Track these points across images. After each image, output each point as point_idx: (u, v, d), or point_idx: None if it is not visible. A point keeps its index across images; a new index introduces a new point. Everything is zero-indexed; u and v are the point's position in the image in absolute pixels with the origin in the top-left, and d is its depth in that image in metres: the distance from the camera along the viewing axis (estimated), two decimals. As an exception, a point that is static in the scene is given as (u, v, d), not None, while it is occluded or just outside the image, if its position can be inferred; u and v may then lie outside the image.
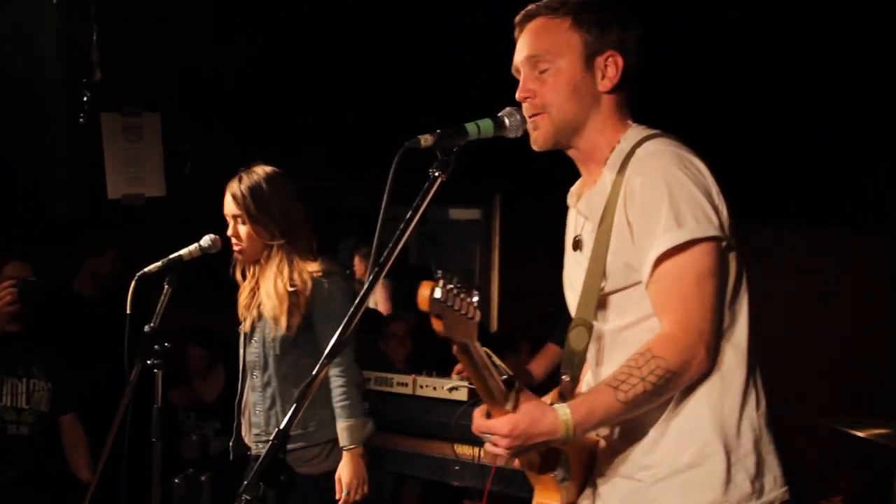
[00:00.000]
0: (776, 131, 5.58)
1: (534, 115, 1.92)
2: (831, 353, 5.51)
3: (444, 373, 3.66)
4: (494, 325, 5.63)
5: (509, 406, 1.86)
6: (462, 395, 3.60)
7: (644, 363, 1.86)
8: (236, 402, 3.08)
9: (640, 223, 1.91)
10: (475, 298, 1.73)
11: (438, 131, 1.85)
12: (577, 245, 2.12)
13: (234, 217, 3.01)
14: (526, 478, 2.58)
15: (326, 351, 1.68)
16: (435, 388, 3.73)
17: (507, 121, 1.93)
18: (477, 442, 3.42)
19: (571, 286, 2.13)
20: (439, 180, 1.81)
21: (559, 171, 2.48)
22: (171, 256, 2.96)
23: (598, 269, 2.00)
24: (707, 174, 1.92)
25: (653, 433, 2.00)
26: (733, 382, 1.97)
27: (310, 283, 2.99)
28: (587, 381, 2.13)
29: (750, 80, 5.60)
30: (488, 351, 1.87)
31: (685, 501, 1.97)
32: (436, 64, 5.01)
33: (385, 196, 1.79)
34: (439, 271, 1.67)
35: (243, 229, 3.01)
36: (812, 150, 5.55)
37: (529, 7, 2.02)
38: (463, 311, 1.70)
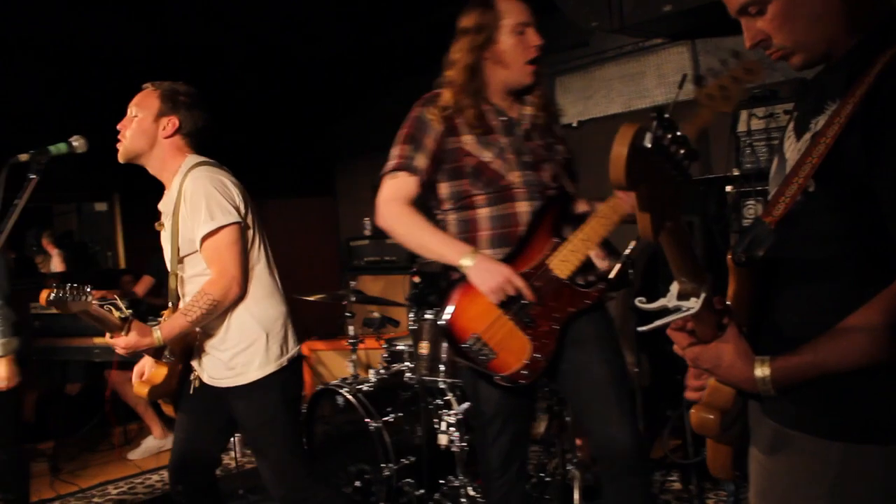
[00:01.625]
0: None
1: None
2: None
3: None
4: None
5: (125, 332, 2.72)
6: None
7: (200, 298, 2.70)
8: None
9: (191, 217, 2.72)
10: (87, 288, 2.51)
11: (32, 151, 2.50)
12: (162, 227, 2.92)
13: None
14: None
15: None
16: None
17: (74, 143, 2.64)
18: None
19: (165, 253, 2.93)
20: (35, 180, 2.47)
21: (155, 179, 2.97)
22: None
23: (175, 242, 2.81)
24: (230, 185, 2.79)
25: (224, 331, 2.84)
26: (262, 298, 2.86)
27: None
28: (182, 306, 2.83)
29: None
30: (108, 305, 2.67)
31: (249, 364, 2.82)
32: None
33: None
34: (53, 284, 2.48)
35: None
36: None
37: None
38: (76, 299, 2.49)
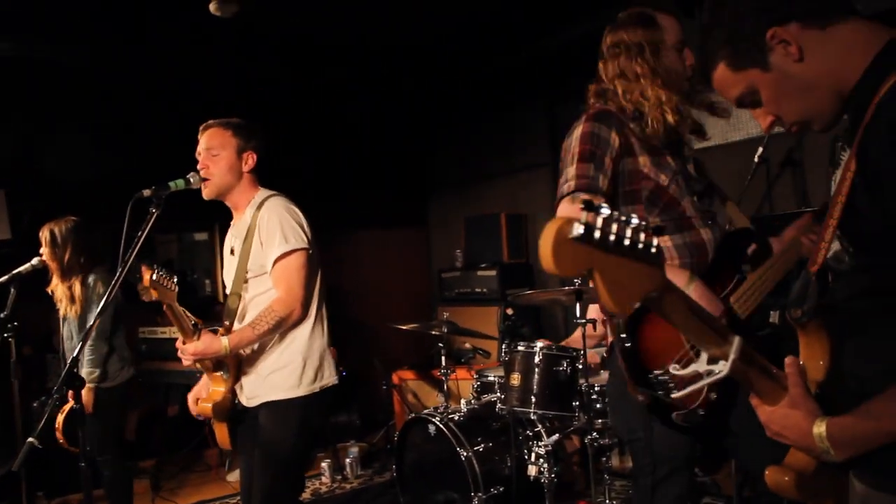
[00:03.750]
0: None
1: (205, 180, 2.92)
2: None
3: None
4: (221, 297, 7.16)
5: (196, 338, 2.87)
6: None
7: (268, 314, 2.87)
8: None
9: (266, 241, 2.92)
10: (175, 278, 2.77)
11: (153, 187, 2.64)
12: (233, 252, 3.11)
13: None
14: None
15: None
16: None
17: (191, 179, 2.87)
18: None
19: (228, 275, 3.12)
20: (155, 214, 2.64)
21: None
22: (14, 272, 4.03)
23: (243, 265, 3.00)
24: (300, 214, 2.98)
25: (270, 351, 2.98)
26: (309, 327, 2.99)
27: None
28: (237, 326, 3.03)
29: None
30: (184, 309, 2.88)
31: (282, 383, 2.95)
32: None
33: (125, 228, 2.53)
34: (154, 265, 2.67)
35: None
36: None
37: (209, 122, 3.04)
38: (167, 286, 2.73)
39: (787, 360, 1.37)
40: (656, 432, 2.29)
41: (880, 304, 1.29)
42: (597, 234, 1.04)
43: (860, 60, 1.30)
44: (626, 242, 1.06)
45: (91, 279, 4.20)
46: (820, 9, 1.34)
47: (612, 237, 1.05)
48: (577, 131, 2.32)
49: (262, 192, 3.07)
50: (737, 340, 1.28)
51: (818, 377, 1.43)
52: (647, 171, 2.30)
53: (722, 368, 1.28)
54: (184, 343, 2.87)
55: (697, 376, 1.32)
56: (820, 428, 1.30)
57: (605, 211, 1.05)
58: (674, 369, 1.39)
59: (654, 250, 1.10)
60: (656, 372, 2.20)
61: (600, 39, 2.52)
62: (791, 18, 1.33)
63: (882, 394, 1.24)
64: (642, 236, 1.08)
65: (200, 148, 3.01)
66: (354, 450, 5.94)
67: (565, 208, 2.27)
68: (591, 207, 1.04)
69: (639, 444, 2.39)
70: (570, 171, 2.31)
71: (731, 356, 1.27)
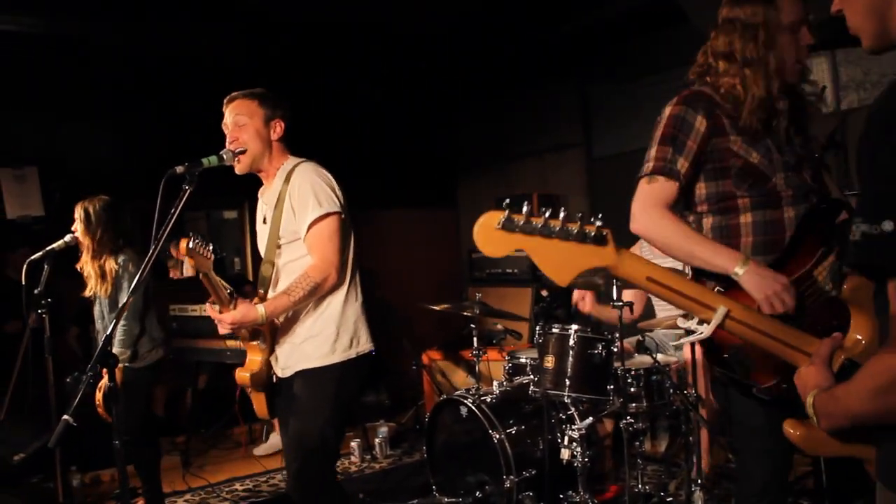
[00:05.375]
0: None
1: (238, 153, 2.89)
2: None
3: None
4: (250, 276, 7.52)
5: (232, 307, 2.87)
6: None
7: (303, 279, 2.85)
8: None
9: (298, 207, 2.90)
10: (210, 247, 2.75)
11: (186, 163, 2.62)
12: (264, 220, 3.11)
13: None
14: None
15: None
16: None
17: (224, 156, 2.87)
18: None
19: (261, 243, 3.12)
20: (189, 191, 2.60)
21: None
22: (48, 248, 4.03)
23: (275, 232, 2.99)
24: (331, 178, 2.98)
25: (303, 319, 2.97)
26: (343, 294, 2.99)
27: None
28: (271, 294, 3.04)
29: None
30: (220, 279, 2.88)
31: (315, 352, 2.95)
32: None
33: (157, 206, 2.48)
34: (191, 233, 2.67)
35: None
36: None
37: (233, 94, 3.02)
38: (204, 255, 2.71)
39: (832, 338, 1.48)
40: (734, 401, 2.45)
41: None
42: (520, 223, 1.33)
43: None
44: (556, 229, 1.34)
45: (122, 259, 4.18)
46: None
47: (540, 225, 1.33)
48: (665, 113, 2.38)
49: (292, 160, 3.06)
50: (720, 310, 1.46)
51: (855, 351, 1.51)
52: (736, 148, 2.33)
53: (703, 330, 1.50)
54: (220, 312, 2.86)
55: (687, 333, 1.54)
56: (810, 398, 1.39)
57: (525, 208, 1.33)
58: (680, 322, 1.57)
59: (593, 233, 1.35)
60: (730, 351, 2.27)
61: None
62: None
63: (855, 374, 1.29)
64: (574, 225, 1.35)
65: (227, 121, 2.99)
66: (384, 429, 5.94)
67: (642, 189, 2.39)
68: (511, 206, 1.33)
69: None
70: (651, 153, 2.40)
71: (713, 322, 1.46)
